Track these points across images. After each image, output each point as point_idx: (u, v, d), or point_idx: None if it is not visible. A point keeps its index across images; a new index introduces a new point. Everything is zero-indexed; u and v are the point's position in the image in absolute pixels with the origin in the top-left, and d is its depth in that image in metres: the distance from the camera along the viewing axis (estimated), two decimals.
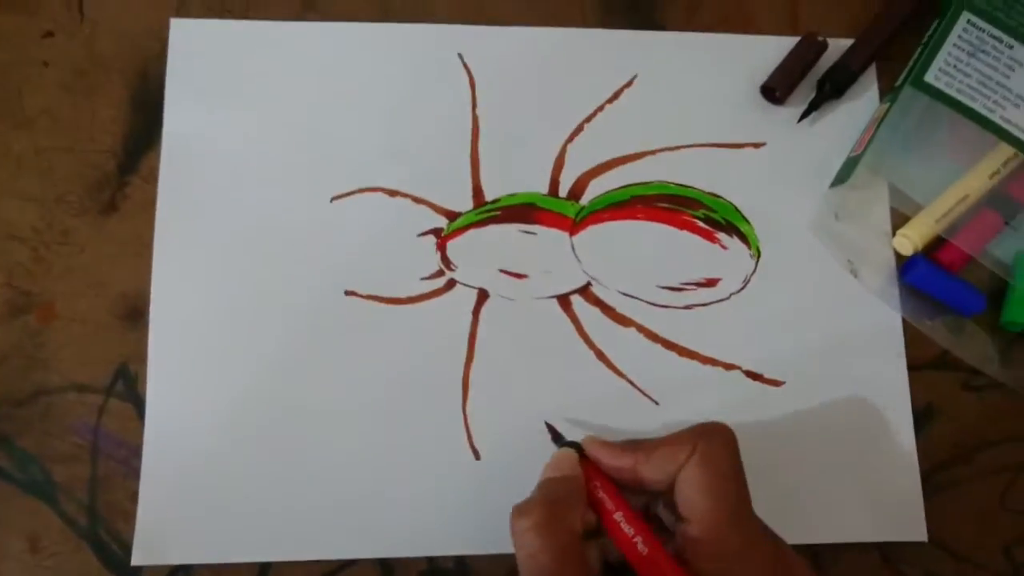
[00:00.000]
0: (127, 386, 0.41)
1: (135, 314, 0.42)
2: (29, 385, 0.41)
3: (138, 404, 0.41)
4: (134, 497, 0.40)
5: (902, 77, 0.46)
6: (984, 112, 0.43)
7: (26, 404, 0.41)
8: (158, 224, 0.43)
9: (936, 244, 0.44)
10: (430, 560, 0.41)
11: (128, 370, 0.41)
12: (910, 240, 0.43)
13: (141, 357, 0.41)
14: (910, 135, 0.45)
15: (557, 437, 0.41)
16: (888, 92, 0.47)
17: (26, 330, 0.41)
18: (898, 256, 0.45)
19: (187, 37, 0.46)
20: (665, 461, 0.35)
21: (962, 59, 0.44)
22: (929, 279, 0.44)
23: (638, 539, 0.34)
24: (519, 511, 0.35)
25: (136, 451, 0.41)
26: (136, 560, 0.40)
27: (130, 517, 0.40)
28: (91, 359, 0.41)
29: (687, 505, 0.35)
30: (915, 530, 0.42)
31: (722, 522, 0.34)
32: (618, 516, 0.35)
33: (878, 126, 0.45)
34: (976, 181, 0.43)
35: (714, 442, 0.36)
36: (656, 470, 0.36)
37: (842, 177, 0.45)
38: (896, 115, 0.44)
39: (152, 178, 0.43)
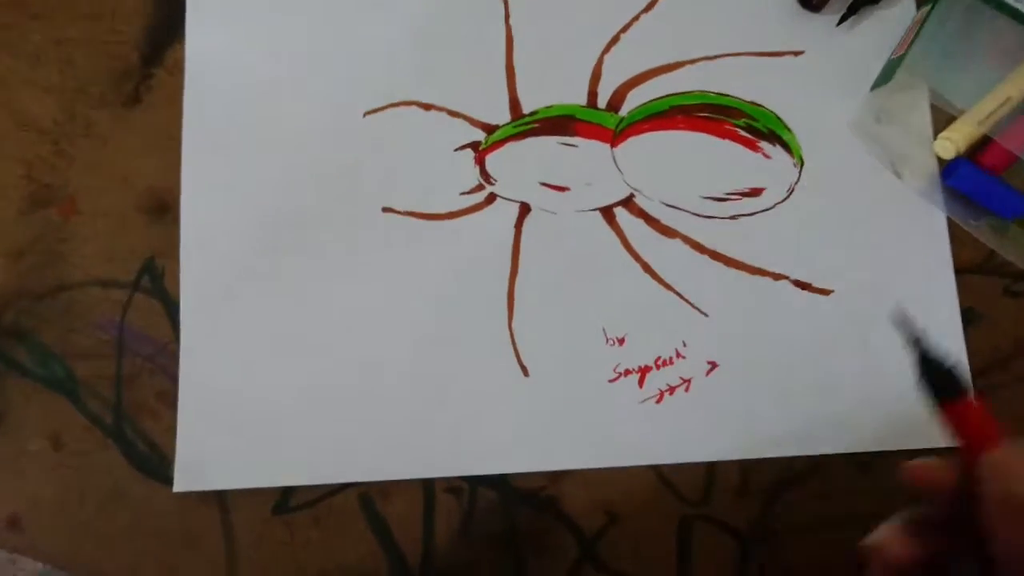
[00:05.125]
0: (153, 281, 0.45)
1: (161, 208, 0.46)
2: (50, 279, 0.44)
3: (165, 300, 0.45)
4: (161, 396, 0.44)
5: None
6: None
7: (47, 299, 0.44)
8: (185, 119, 0.47)
9: (978, 147, 0.49)
10: (477, 479, 0.45)
11: (155, 265, 0.45)
12: (952, 143, 0.48)
13: (168, 253, 0.45)
14: (951, 38, 0.49)
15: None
16: None
17: (47, 224, 0.45)
18: (940, 159, 0.50)
19: None
20: None
21: None
22: (971, 182, 0.48)
23: None
24: None
25: (163, 348, 0.44)
26: (179, 487, 0.43)
27: (157, 415, 0.44)
28: (115, 254, 0.45)
29: None
30: None
31: None
32: None
33: (919, 28, 0.49)
34: (1018, 83, 0.49)
35: None
36: None
37: (883, 79, 0.50)
38: (937, 17, 0.49)
39: (177, 70, 0.47)
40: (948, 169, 0.49)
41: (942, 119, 0.50)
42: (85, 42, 0.47)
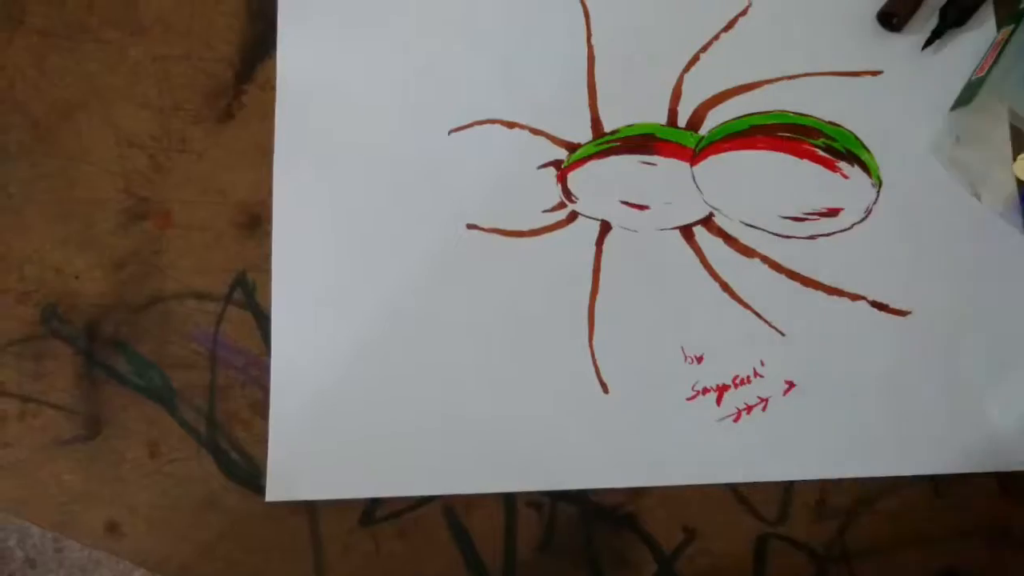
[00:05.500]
0: (246, 295, 0.46)
1: (253, 222, 0.47)
2: (147, 291, 0.46)
3: (256, 313, 0.46)
4: (253, 406, 0.45)
5: None
6: None
7: (144, 310, 0.46)
8: (277, 135, 0.48)
9: None
10: (557, 494, 0.46)
11: (247, 279, 0.47)
12: None
13: (259, 266, 0.47)
14: None
15: None
16: (1008, 17, 0.53)
17: (144, 237, 0.47)
18: (1020, 181, 0.50)
19: None
20: None
21: None
22: None
23: None
24: None
25: (255, 360, 0.46)
26: (271, 496, 0.45)
27: (249, 425, 0.45)
28: (209, 267, 0.47)
29: None
30: None
31: None
32: None
33: (1002, 48, 0.50)
34: None
35: None
36: None
37: (964, 99, 0.50)
38: (1020, 37, 0.49)
39: (269, 87, 0.49)
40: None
41: (1023, 141, 0.50)
42: (181, 59, 0.49)
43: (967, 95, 0.51)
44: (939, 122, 0.51)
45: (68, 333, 0.46)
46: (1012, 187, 0.50)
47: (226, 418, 0.45)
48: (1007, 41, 0.50)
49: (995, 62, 0.50)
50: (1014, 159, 0.50)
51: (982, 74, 0.50)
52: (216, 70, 0.49)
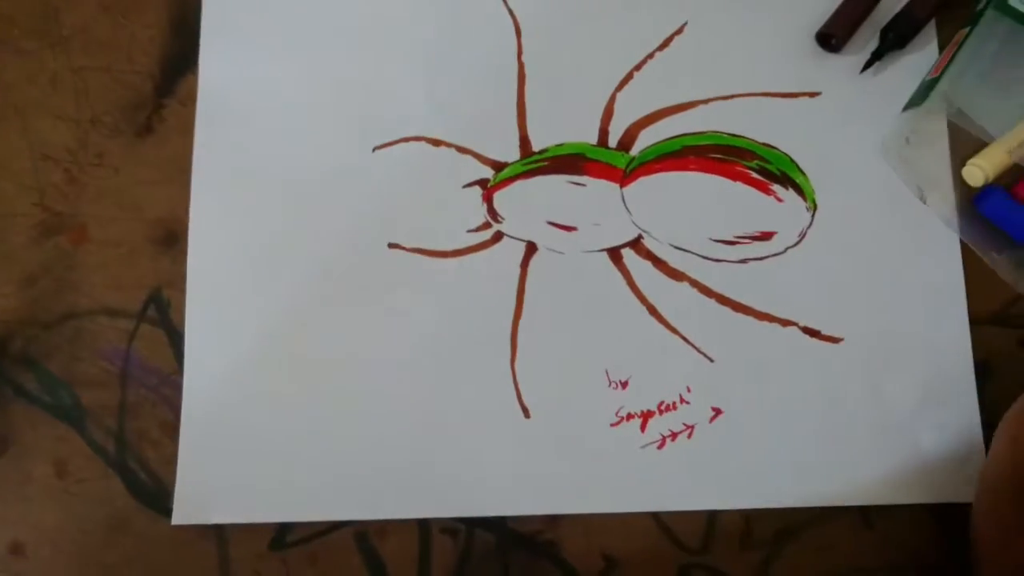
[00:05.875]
0: (160, 312, 0.46)
1: (170, 239, 0.47)
2: (59, 307, 0.45)
3: (170, 331, 0.46)
4: (164, 427, 0.45)
5: (983, 1, 0.50)
6: None
7: (55, 327, 0.45)
8: (196, 150, 0.48)
9: (1007, 176, 0.48)
10: (473, 521, 0.45)
11: (161, 296, 0.46)
12: (981, 170, 0.47)
13: (175, 283, 0.46)
14: (988, 62, 0.49)
15: None
16: (968, 18, 0.51)
17: (57, 252, 0.46)
18: (966, 186, 0.49)
19: None
20: None
21: None
22: (1003, 210, 0.47)
23: None
24: None
25: (167, 379, 0.45)
26: (178, 519, 0.44)
27: (159, 445, 0.45)
28: (123, 283, 0.46)
29: None
30: (969, 490, 0.47)
31: None
32: None
33: (956, 50, 0.49)
34: None
35: None
36: None
37: (916, 101, 0.49)
38: (976, 40, 0.49)
39: (190, 101, 0.48)
40: (981, 196, 0.49)
41: (972, 145, 0.49)
42: (101, 71, 0.48)
43: (919, 96, 0.50)
44: (877, 145, 0.51)
45: None
46: (959, 192, 0.50)
47: (136, 438, 0.45)
48: (963, 42, 0.50)
49: (949, 63, 0.49)
50: (958, 161, 0.49)
51: (936, 75, 0.50)
52: (136, 83, 0.48)
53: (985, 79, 0.49)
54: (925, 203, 0.50)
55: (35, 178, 0.47)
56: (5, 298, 0.46)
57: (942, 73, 0.49)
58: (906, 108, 0.51)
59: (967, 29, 0.50)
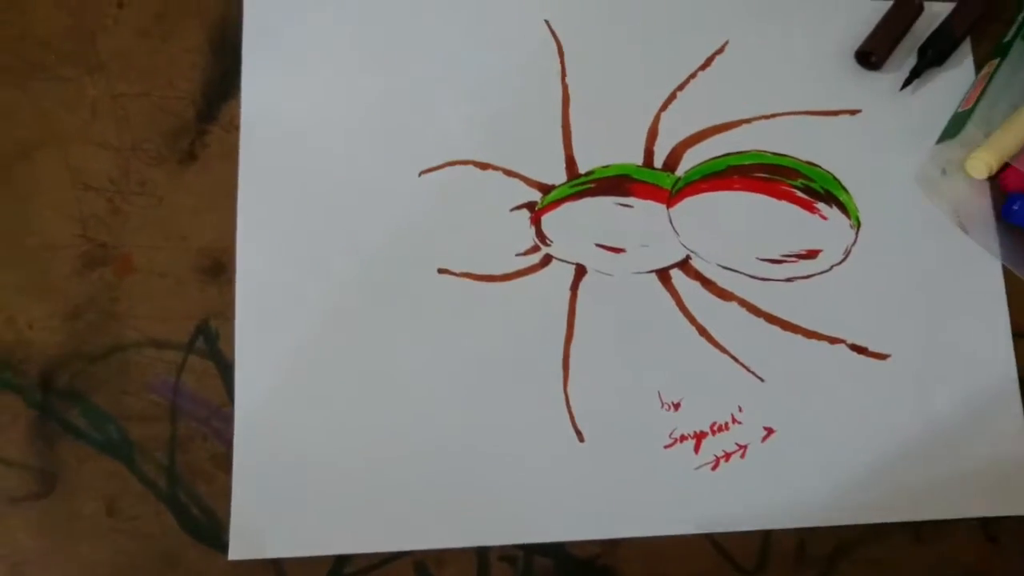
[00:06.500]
0: (208, 343, 0.45)
1: (217, 268, 0.46)
2: (105, 340, 0.45)
3: (219, 362, 0.45)
4: (216, 460, 0.44)
5: (1012, 32, 0.52)
6: None
7: (101, 360, 0.45)
8: (241, 177, 0.47)
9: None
10: (532, 547, 0.45)
11: (210, 327, 0.45)
12: (983, 162, 0.48)
13: (223, 314, 0.45)
14: (1019, 91, 0.50)
15: None
16: (994, 49, 0.52)
17: (102, 283, 0.45)
18: (999, 211, 0.50)
19: None
20: None
21: None
22: None
23: None
24: None
25: (217, 411, 0.45)
26: (234, 554, 0.43)
27: (211, 479, 0.44)
28: (170, 314, 0.45)
29: None
30: (1019, 503, 0.48)
31: None
32: None
33: (988, 81, 0.50)
34: None
35: None
36: None
37: (950, 133, 0.50)
38: (1006, 71, 0.50)
39: (233, 127, 0.48)
40: (1006, 206, 0.50)
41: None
42: (141, 97, 0.48)
43: (953, 128, 0.51)
44: (918, 161, 0.51)
45: (21, 385, 0.44)
46: (993, 217, 0.51)
47: (187, 472, 0.44)
48: (993, 74, 0.51)
49: (981, 95, 0.50)
50: (996, 189, 0.50)
51: (968, 107, 0.51)
52: (178, 109, 0.48)
53: (1017, 107, 0.50)
54: (965, 231, 0.50)
55: (77, 208, 0.46)
56: (50, 332, 0.45)
57: (975, 105, 0.50)
58: (940, 140, 0.52)
59: (996, 61, 0.51)
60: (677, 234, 0.50)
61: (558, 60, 0.51)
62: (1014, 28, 0.52)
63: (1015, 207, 0.50)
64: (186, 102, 0.48)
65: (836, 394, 0.48)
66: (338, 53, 0.50)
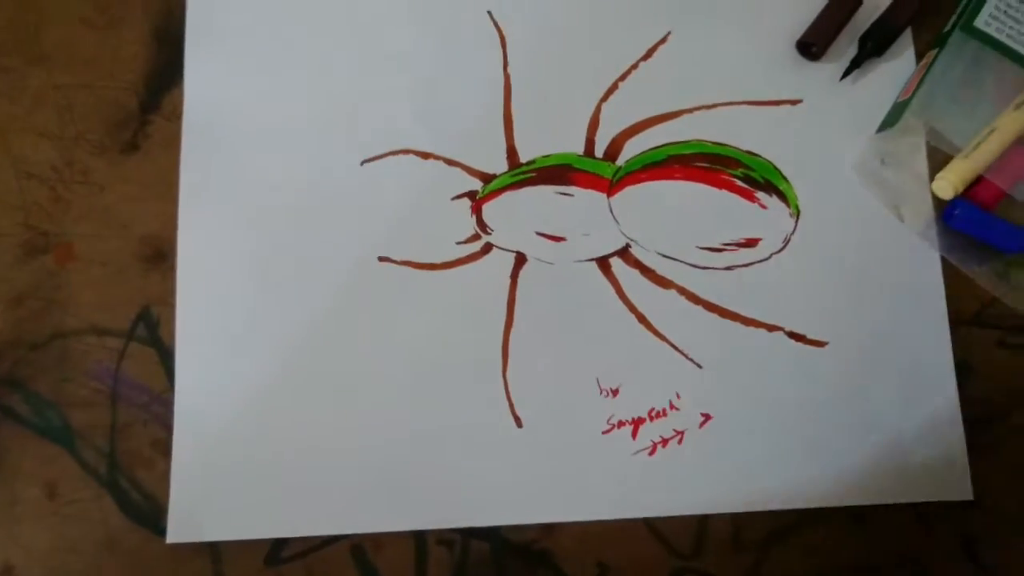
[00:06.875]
0: (149, 330, 0.46)
1: (158, 256, 0.47)
2: (46, 328, 0.46)
3: (160, 349, 0.46)
4: (156, 445, 0.45)
5: (951, 23, 0.52)
6: None
7: (43, 347, 0.45)
8: (183, 166, 0.48)
9: (971, 184, 0.49)
10: (469, 531, 0.46)
11: (151, 314, 0.46)
12: (950, 183, 0.49)
13: (164, 300, 0.46)
14: (957, 82, 0.51)
15: None
16: (934, 39, 0.53)
17: (43, 271, 0.46)
18: (939, 201, 0.50)
19: None
20: None
21: (1012, 4, 0.50)
22: (970, 221, 0.49)
23: None
24: None
25: (157, 397, 0.45)
26: (172, 537, 0.44)
27: (151, 464, 0.45)
28: (111, 302, 0.46)
29: None
30: (960, 489, 0.48)
31: None
32: None
33: (926, 72, 0.51)
34: (1008, 120, 0.49)
35: None
36: None
37: (889, 122, 0.51)
38: (944, 61, 0.50)
39: (175, 117, 0.48)
40: (947, 211, 0.50)
41: (945, 162, 0.51)
42: (84, 87, 0.48)
43: (892, 118, 0.52)
44: (864, 145, 0.52)
45: None
46: (932, 207, 0.51)
47: (127, 457, 0.45)
48: (932, 64, 0.51)
49: (919, 85, 0.51)
50: (931, 178, 0.51)
51: (907, 97, 0.51)
52: (121, 99, 0.48)
53: (955, 99, 0.51)
54: (903, 221, 0.51)
55: (19, 197, 0.47)
56: None
57: (913, 94, 0.51)
58: (880, 130, 0.52)
59: (935, 51, 0.52)
60: (617, 223, 0.51)
61: (500, 50, 0.52)
62: (952, 19, 0.53)
63: (956, 212, 0.50)
64: (129, 92, 0.49)
65: (774, 381, 0.49)
66: (281, 43, 0.51)
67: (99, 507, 0.44)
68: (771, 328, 0.50)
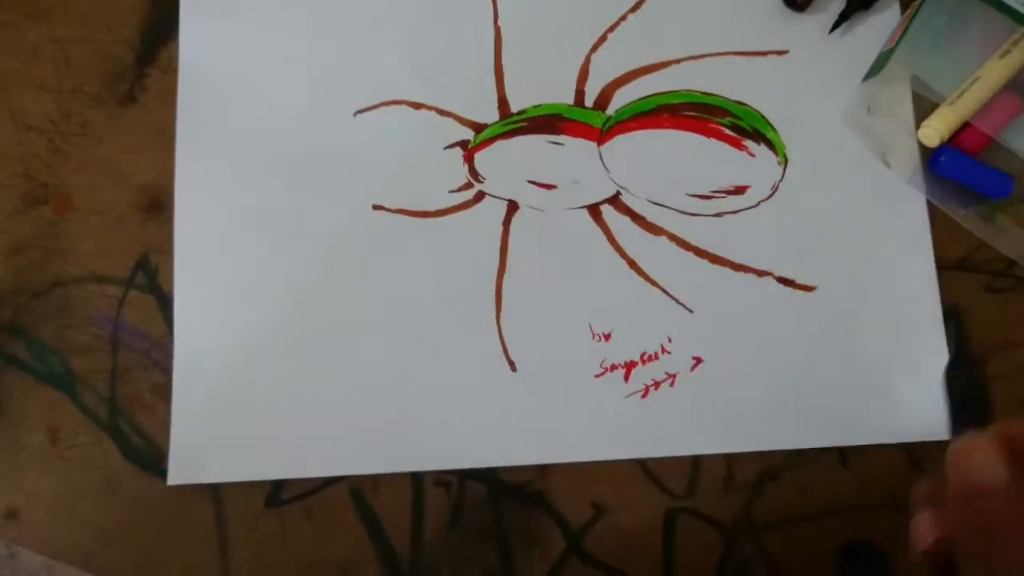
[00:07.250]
0: (148, 278, 0.47)
1: (155, 206, 0.48)
2: (46, 276, 0.46)
3: (159, 296, 0.47)
4: (156, 390, 0.46)
5: None
6: (1015, 6, 0.51)
7: (43, 295, 0.46)
8: (179, 118, 0.49)
9: (957, 131, 0.50)
10: (465, 473, 0.47)
11: (149, 262, 0.47)
12: (935, 130, 0.50)
13: (162, 249, 0.47)
14: (941, 30, 0.51)
15: None
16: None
17: (43, 221, 0.47)
18: (925, 148, 0.51)
19: None
20: None
21: None
22: (956, 167, 0.50)
23: None
24: None
25: (157, 343, 0.46)
26: (173, 479, 0.45)
27: (151, 409, 0.46)
28: (110, 251, 0.47)
29: None
30: (941, 429, 0.50)
31: None
32: None
33: (911, 20, 0.51)
34: (993, 67, 0.50)
35: None
36: None
37: (875, 70, 0.52)
38: (928, 9, 0.51)
39: (171, 69, 0.49)
40: (933, 158, 0.51)
41: (932, 111, 0.51)
42: (82, 41, 0.49)
43: (877, 66, 0.52)
44: (845, 99, 0.53)
45: None
46: (918, 154, 0.52)
47: (128, 402, 0.46)
48: (916, 12, 0.52)
49: (904, 33, 0.52)
50: (917, 126, 0.52)
51: (892, 45, 0.52)
52: (117, 52, 0.49)
53: (939, 47, 0.52)
54: (890, 168, 0.52)
55: (18, 149, 0.47)
56: None
57: (898, 43, 0.51)
58: (866, 78, 0.53)
59: (919, 1, 0.53)
60: (607, 171, 0.51)
61: (491, 2, 0.53)
62: None
63: (942, 159, 0.51)
64: (125, 46, 0.49)
65: (763, 325, 0.50)
66: (273, 3, 0.52)
67: (100, 451, 0.45)
68: (760, 273, 0.51)
